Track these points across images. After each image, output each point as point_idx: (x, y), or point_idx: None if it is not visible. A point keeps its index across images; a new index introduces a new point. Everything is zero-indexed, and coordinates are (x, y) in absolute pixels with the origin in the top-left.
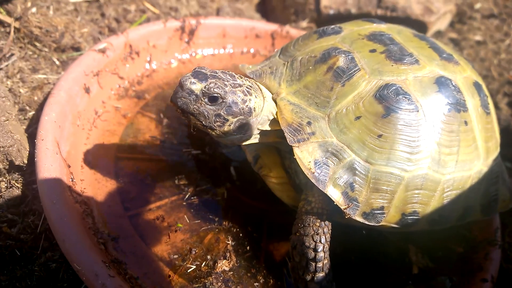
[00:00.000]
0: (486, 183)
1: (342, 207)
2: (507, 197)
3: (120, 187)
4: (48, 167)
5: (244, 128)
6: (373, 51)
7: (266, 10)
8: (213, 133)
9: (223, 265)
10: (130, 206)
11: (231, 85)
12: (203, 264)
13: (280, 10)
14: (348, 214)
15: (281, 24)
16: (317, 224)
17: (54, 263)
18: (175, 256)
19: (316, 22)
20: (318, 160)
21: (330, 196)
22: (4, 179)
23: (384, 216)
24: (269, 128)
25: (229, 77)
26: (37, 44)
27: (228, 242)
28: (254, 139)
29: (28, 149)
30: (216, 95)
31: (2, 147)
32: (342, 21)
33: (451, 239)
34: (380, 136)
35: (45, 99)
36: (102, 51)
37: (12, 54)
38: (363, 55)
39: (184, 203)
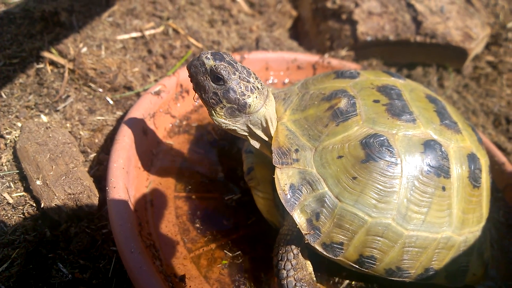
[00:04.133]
0: (455, 252)
1: (303, 232)
2: (479, 272)
3: (181, 227)
4: (123, 215)
5: (235, 118)
6: (376, 101)
7: (298, 34)
8: (208, 109)
9: None
10: (191, 247)
11: (239, 77)
12: None
13: (313, 35)
14: (308, 240)
15: (317, 49)
16: (286, 248)
17: None
18: None
19: (354, 49)
20: (293, 185)
21: (294, 219)
22: (74, 225)
23: (342, 252)
24: (261, 134)
25: (244, 71)
26: (92, 85)
27: None
28: (245, 134)
29: (97, 195)
30: (220, 76)
31: (73, 194)
32: (380, 48)
33: None
34: (354, 178)
35: (105, 141)
36: (157, 93)
37: (68, 96)
38: (365, 103)
39: (242, 240)
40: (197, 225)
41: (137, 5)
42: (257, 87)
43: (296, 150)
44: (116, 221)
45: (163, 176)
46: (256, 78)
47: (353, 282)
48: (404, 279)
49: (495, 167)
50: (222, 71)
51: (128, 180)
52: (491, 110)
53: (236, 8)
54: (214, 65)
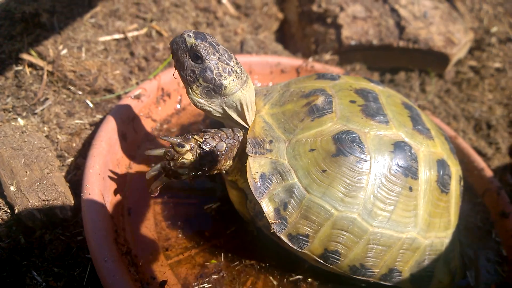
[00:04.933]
0: (420, 255)
1: (270, 221)
2: (445, 280)
3: (159, 234)
4: (97, 223)
5: (211, 98)
6: (352, 102)
7: (284, 37)
8: (185, 87)
9: None
10: (170, 254)
11: (218, 58)
12: None
13: (299, 38)
14: (274, 229)
15: (302, 53)
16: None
17: None
18: None
19: (338, 53)
20: (264, 174)
21: (262, 207)
22: (49, 232)
23: (307, 245)
24: (236, 117)
25: (225, 54)
26: (71, 87)
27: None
28: (219, 116)
29: (73, 201)
30: (199, 54)
31: (47, 200)
32: (364, 52)
33: None
34: (324, 171)
35: (83, 145)
36: (137, 97)
37: (47, 99)
38: (341, 102)
39: (221, 247)
40: (176, 232)
41: (120, 6)
42: (236, 71)
43: (271, 141)
44: (90, 229)
45: (141, 181)
46: (237, 63)
47: (309, 279)
48: (368, 278)
49: (475, 173)
50: (201, 50)
51: (105, 186)
52: (472, 115)
53: (222, 10)
54: (195, 43)
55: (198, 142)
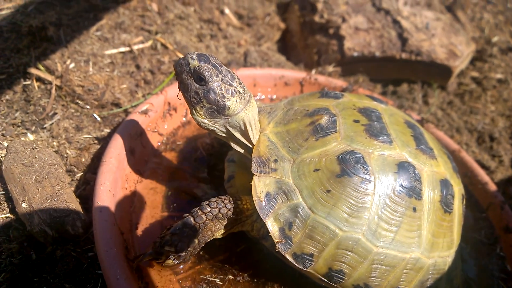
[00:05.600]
0: (424, 275)
1: (275, 240)
2: None
3: None
4: (108, 241)
5: (214, 119)
6: (356, 121)
7: (286, 47)
8: (189, 108)
9: None
10: (178, 270)
11: (221, 79)
12: None
13: (301, 47)
14: (279, 249)
15: (304, 63)
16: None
17: None
18: None
19: (340, 64)
20: (269, 193)
21: (268, 226)
22: (60, 248)
23: (312, 264)
24: (240, 137)
25: (228, 75)
26: (80, 102)
27: None
28: (223, 136)
29: (84, 218)
30: (202, 76)
31: (59, 217)
32: (366, 63)
33: None
34: (328, 191)
35: (92, 160)
36: (145, 112)
37: (55, 113)
38: (345, 121)
39: (230, 264)
40: None
41: (126, 19)
42: (239, 91)
43: (275, 161)
44: (102, 247)
45: (150, 196)
46: (240, 83)
47: None
48: None
49: (479, 187)
50: (204, 72)
51: (115, 202)
52: (475, 128)
53: (225, 21)
54: (198, 66)
55: (170, 252)
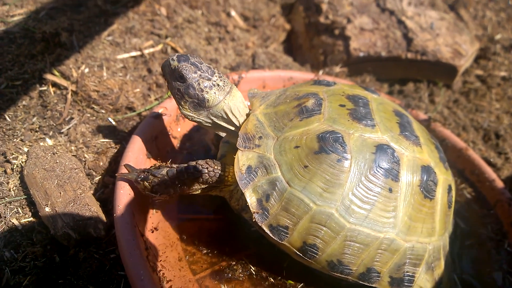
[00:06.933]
0: (400, 258)
1: (252, 210)
2: (427, 287)
3: (186, 250)
4: (131, 243)
5: (198, 111)
6: (342, 105)
7: (291, 47)
8: (176, 103)
9: None
10: (196, 269)
11: (200, 75)
12: None
13: (307, 48)
14: (256, 219)
15: (310, 64)
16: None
17: None
18: None
19: (346, 64)
20: (250, 166)
21: (246, 197)
22: (83, 250)
23: (287, 236)
24: (225, 124)
25: (208, 71)
26: (95, 106)
27: None
28: (209, 126)
29: (105, 220)
30: (181, 74)
31: (81, 220)
32: (372, 63)
33: None
34: (306, 166)
35: (110, 163)
36: (160, 116)
37: (72, 118)
38: (330, 105)
39: (246, 262)
40: (202, 247)
41: (136, 23)
42: (217, 84)
43: (260, 137)
44: (125, 249)
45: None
46: (220, 77)
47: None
48: (346, 276)
49: (486, 184)
50: (183, 71)
51: (134, 205)
52: (480, 126)
53: (232, 23)
54: (177, 66)
55: (146, 188)
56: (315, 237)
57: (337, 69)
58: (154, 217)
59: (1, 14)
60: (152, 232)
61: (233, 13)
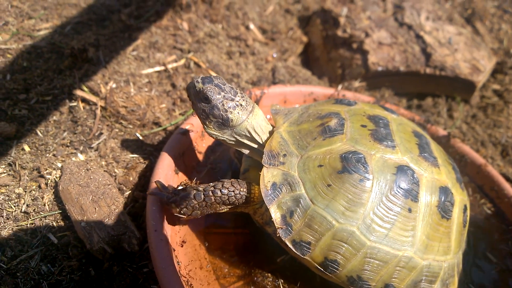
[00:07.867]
0: (417, 275)
1: (277, 226)
2: None
3: (213, 263)
4: (165, 258)
5: (222, 130)
6: (363, 126)
7: (309, 60)
8: (202, 123)
9: None
10: (224, 283)
11: (223, 96)
12: None
13: (324, 61)
14: (280, 234)
15: (328, 77)
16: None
17: None
18: None
19: (365, 79)
20: (275, 183)
21: (271, 212)
22: (117, 264)
23: (309, 252)
24: (248, 142)
25: (231, 92)
26: (123, 122)
27: None
28: (233, 143)
29: (138, 235)
30: (206, 96)
31: (116, 235)
32: (390, 78)
33: None
34: (329, 185)
35: (139, 178)
36: (186, 132)
37: (101, 133)
38: (352, 125)
39: (274, 275)
40: (229, 261)
41: (159, 38)
42: (240, 104)
43: (284, 155)
44: (159, 264)
45: None
46: (242, 97)
47: None
48: None
49: (505, 200)
50: (207, 93)
51: (166, 221)
52: (499, 141)
53: (251, 37)
54: (202, 88)
55: (173, 210)
56: (336, 253)
57: (356, 83)
58: (182, 231)
59: (28, 28)
60: (182, 246)
61: (251, 26)
